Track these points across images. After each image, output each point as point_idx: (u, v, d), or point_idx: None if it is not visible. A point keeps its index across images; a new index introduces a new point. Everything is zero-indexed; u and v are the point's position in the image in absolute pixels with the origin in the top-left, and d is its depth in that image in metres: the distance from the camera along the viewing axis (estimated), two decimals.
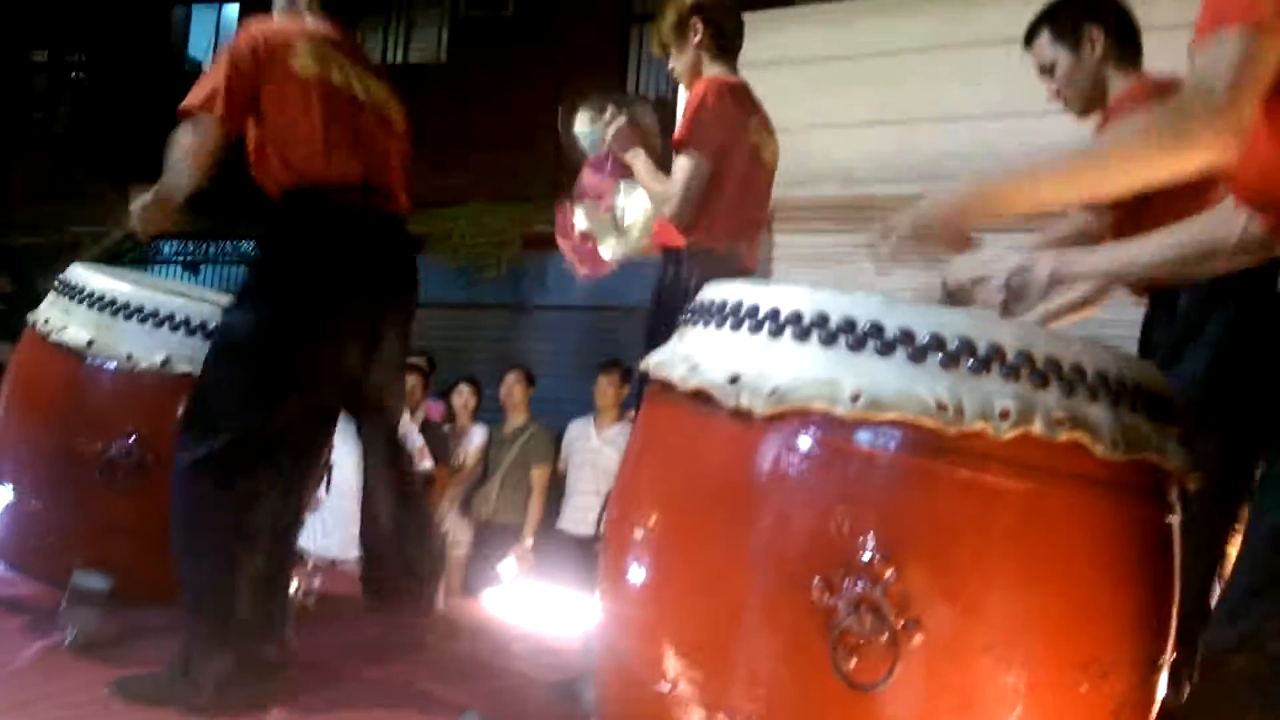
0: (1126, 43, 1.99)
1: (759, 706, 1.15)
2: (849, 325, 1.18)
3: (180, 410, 2.12)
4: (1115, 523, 1.18)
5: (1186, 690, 1.25)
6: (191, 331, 2.15)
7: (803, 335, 1.21)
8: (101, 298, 2.16)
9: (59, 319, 2.18)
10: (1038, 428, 1.11)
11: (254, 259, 2.16)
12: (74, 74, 11.30)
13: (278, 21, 2.15)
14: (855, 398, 1.14)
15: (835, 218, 5.28)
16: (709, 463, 1.28)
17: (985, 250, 1.37)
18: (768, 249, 5.52)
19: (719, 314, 1.33)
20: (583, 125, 2.52)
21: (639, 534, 1.34)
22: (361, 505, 2.37)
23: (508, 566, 4.66)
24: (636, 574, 1.34)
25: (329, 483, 2.33)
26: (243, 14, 10.41)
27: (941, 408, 1.11)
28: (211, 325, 2.15)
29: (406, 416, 3.66)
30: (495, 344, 7.35)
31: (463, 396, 5.09)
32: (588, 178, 2.59)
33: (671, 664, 1.22)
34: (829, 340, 1.19)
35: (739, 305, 1.30)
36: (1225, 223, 1.31)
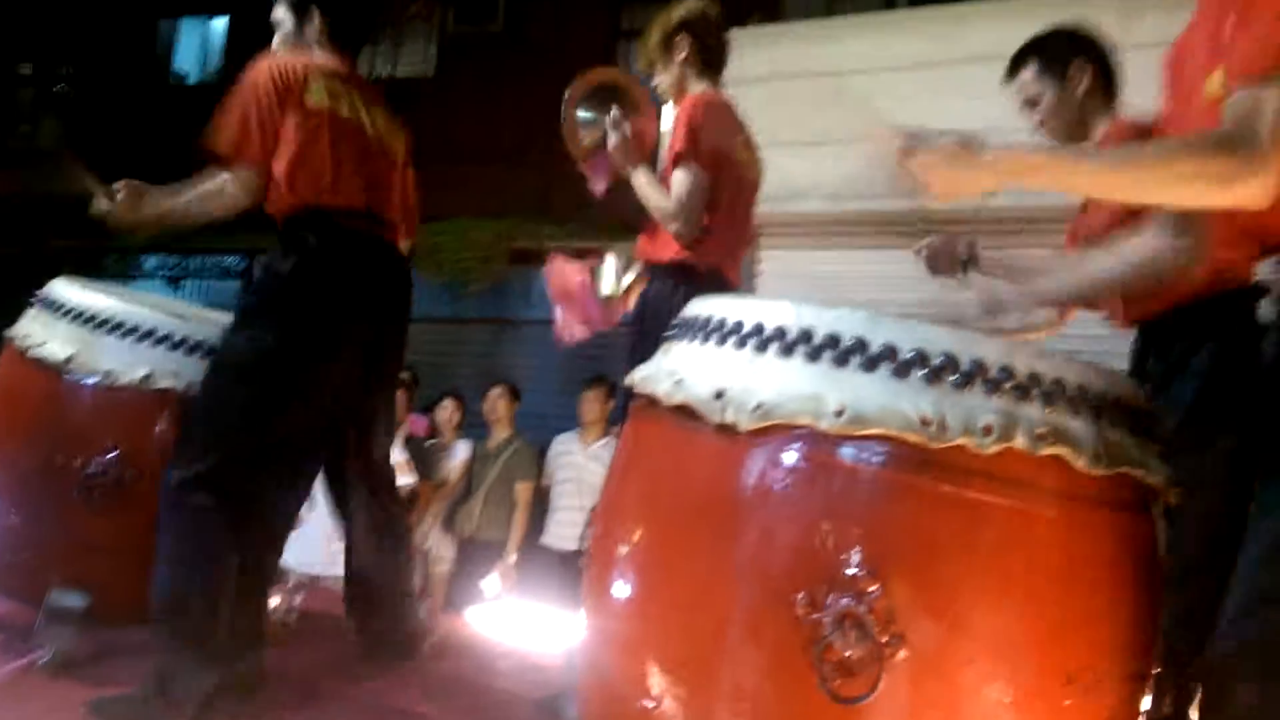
0: (1110, 81, 2.02)
1: None
2: (833, 341, 1.19)
3: (160, 426, 2.11)
4: (1098, 537, 1.19)
5: (1169, 703, 1.25)
6: (173, 347, 2.13)
7: (787, 351, 1.21)
8: (82, 312, 2.14)
9: (39, 334, 2.15)
10: (1020, 442, 1.11)
11: (257, 279, 2.18)
12: (60, 87, 11.26)
13: (290, 55, 2.19)
14: (839, 413, 1.14)
15: (820, 234, 5.32)
16: (694, 478, 1.28)
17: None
18: (752, 264, 5.55)
19: (704, 329, 1.33)
20: (585, 113, 2.51)
21: (623, 549, 1.34)
22: (345, 534, 2.37)
23: (491, 583, 4.64)
24: (621, 589, 1.33)
25: (311, 500, 2.31)
26: (231, 28, 10.41)
27: (925, 423, 1.11)
28: (194, 341, 2.14)
29: None
30: (480, 359, 7.34)
31: (447, 411, 5.07)
32: (567, 271, 2.54)
33: (656, 680, 1.21)
34: (813, 356, 1.19)
35: (724, 320, 1.30)
36: (1158, 238, 1.34)
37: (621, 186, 2.41)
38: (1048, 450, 1.12)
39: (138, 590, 1.91)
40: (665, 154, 2.37)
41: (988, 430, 1.10)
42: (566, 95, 2.48)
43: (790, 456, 1.17)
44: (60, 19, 10.30)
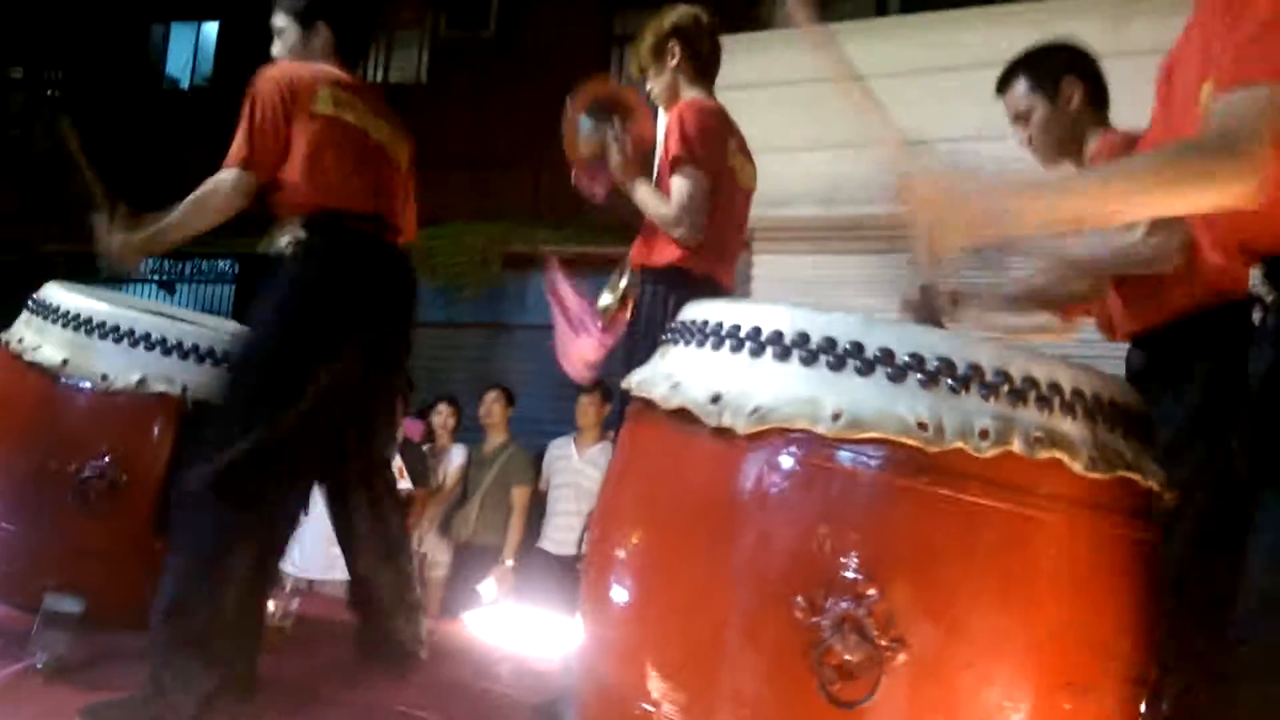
0: (1100, 95, 2.03)
1: None
2: (829, 344, 1.19)
3: (154, 430, 2.11)
4: (1097, 540, 1.19)
5: (1166, 706, 1.26)
6: (167, 351, 2.13)
7: (783, 354, 1.22)
8: (76, 317, 2.14)
9: (33, 338, 2.15)
10: (1017, 446, 1.12)
11: (271, 281, 2.20)
12: (51, 91, 11.23)
13: (298, 65, 2.22)
14: (836, 416, 1.15)
15: (815, 238, 5.33)
16: (691, 481, 1.28)
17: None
18: (747, 269, 5.56)
19: (700, 333, 1.34)
20: (586, 125, 2.51)
21: (621, 553, 1.34)
22: (344, 538, 2.37)
23: (488, 587, 4.63)
24: (619, 594, 1.34)
25: (308, 505, 2.31)
26: (222, 33, 10.40)
27: (922, 427, 1.12)
28: (188, 345, 2.14)
29: None
30: (474, 363, 7.33)
31: (442, 416, 5.06)
32: (571, 300, 2.55)
33: (654, 684, 1.21)
34: (810, 359, 1.20)
35: (720, 324, 1.31)
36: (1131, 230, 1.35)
37: (616, 191, 2.42)
38: (1045, 454, 1.12)
39: (132, 595, 1.90)
40: (660, 160, 2.38)
41: (984, 434, 1.11)
42: (566, 109, 2.48)
43: (787, 460, 1.18)
44: (52, 23, 10.28)
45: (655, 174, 2.37)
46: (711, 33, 2.48)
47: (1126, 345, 1.93)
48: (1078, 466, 1.14)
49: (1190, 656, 1.28)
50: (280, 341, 2.04)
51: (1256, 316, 1.23)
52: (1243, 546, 1.15)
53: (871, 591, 1.10)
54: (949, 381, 1.14)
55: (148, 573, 2.07)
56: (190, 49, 10.75)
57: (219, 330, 2.30)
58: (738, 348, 1.26)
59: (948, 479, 1.12)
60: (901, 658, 1.08)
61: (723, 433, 1.21)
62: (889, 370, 1.16)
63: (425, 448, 4.88)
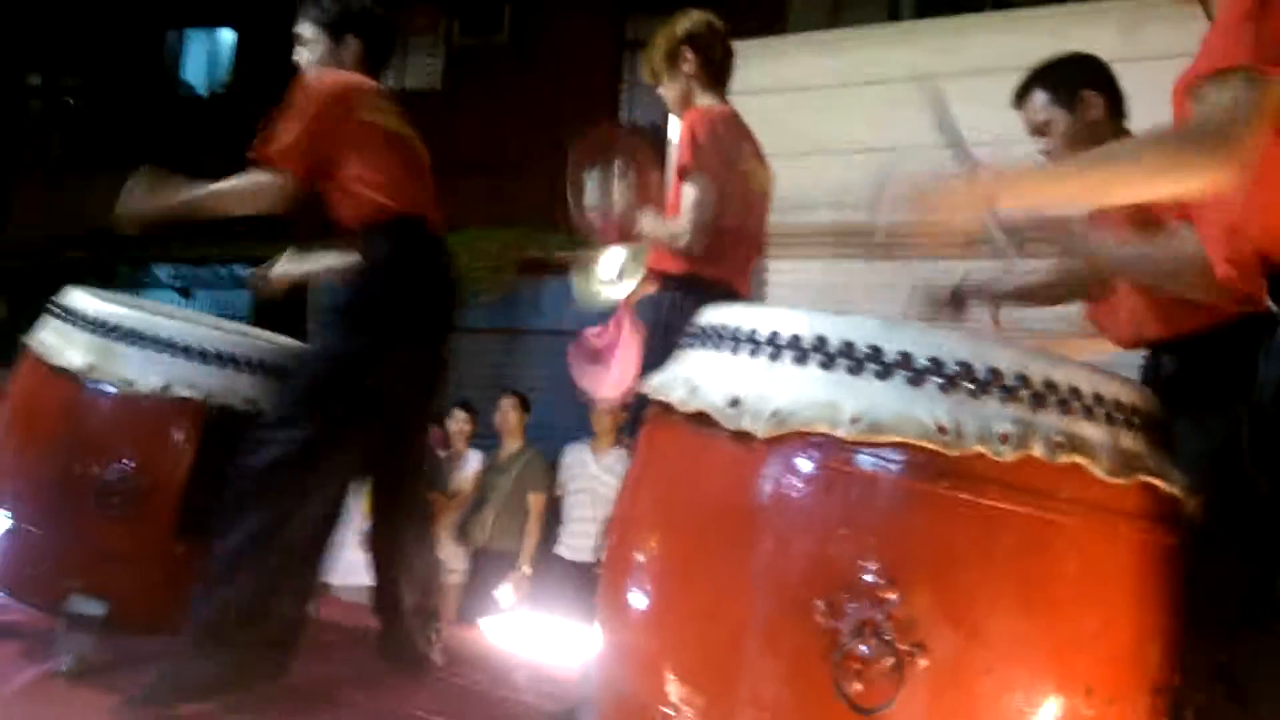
0: (1118, 105, 2.02)
1: None
2: (848, 348, 1.19)
3: (177, 435, 2.13)
4: (1118, 546, 1.19)
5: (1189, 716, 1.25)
6: (190, 356, 2.14)
7: (802, 358, 1.22)
8: (101, 322, 2.15)
9: (57, 343, 2.17)
10: (1037, 450, 1.12)
11: (338, 285, 2.28)
12: (68, 98, 11.33)
13: (348, 74, 2.29)
14: (855, 420, 1.15)
15: (830, 243, 5.32)
16: (710, 485, 1.28)
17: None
18: (761, 274, 5.55)
19: (718, 337, 1.34)
20: (589, 178, 2.54)
21: (639, 558, 1.34)
22: (379, 541, 2.40)
23: (505, 594, 4.64)
24: (637, 599, 1.34)
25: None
26: (238, 40, 10.47)
27: (941, 430, 1.12)
28: (211, 350, 2.16)
29: None
30: (490, 369, 7.35)
31: (457, 422, 5.07)
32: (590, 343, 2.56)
33: (674, 689, 1.21)
34: (828, 363, 1.20)
35: (738, 328, 1.31)
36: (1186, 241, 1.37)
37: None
38: (1065, 458, 1.12)
39: (155, 598, 1.93)
40: (672, 170, 2.38)
41: (1004, 438, 1.11)
42: (569, 166, 2.51)
43: (806, 464, 1.18)
44: (69, 30, 10.37)
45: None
46: (724, 38, 2.48)
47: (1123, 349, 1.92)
48: (1098, 471, 1.13)
49: (1207, 665, 1.28)
50: (353, 343, 2.14)
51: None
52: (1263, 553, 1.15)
53: (891, 596, 1.09)
54: (968, 385, 1.14)
55: (170, 577, 2.10)
56: (206, 56, 10.82)
57: (242, 336, 2.31)
58: (756, 351, 1.26)
59: (967, 483, 1.12)
60: (922, 663, 1.08)
61: (741, 436, 1.21)
62: (908, 374, 1.16)
63: (441, 454, 4.90)
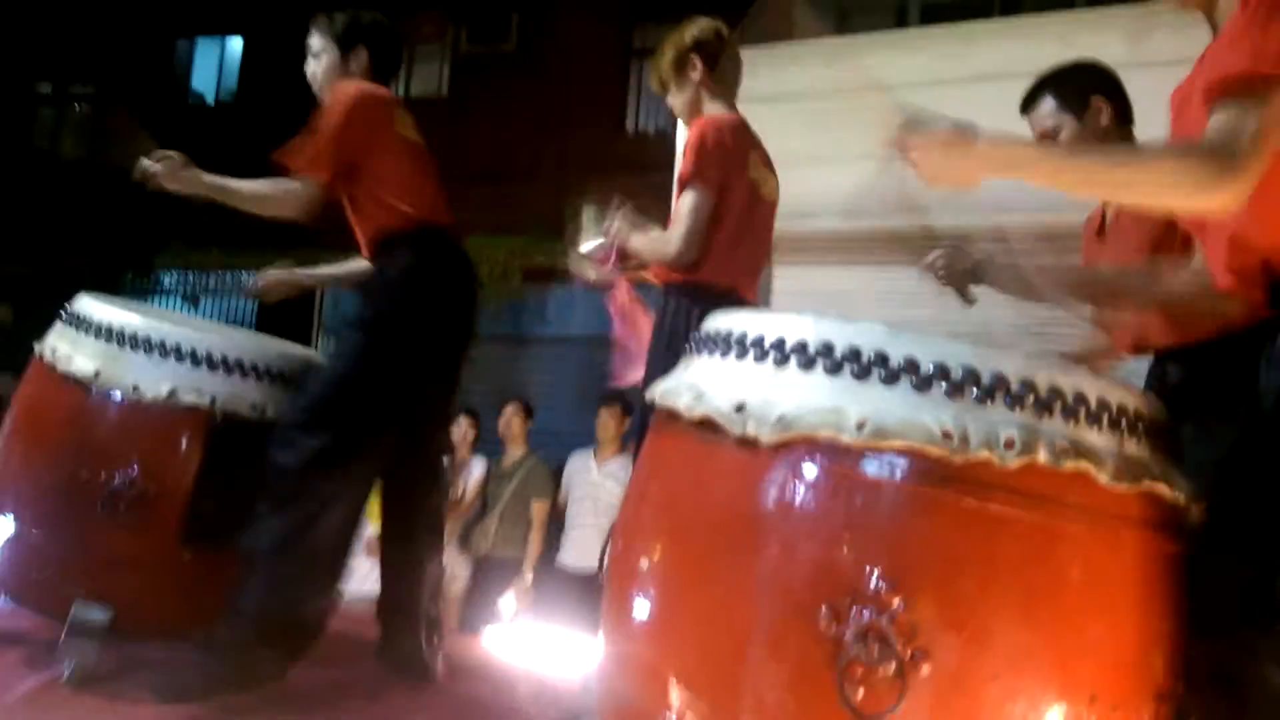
0: (1125, 112, 2.02)
1: None
2: (854, 354, 1.19)
3: (183, 442, 2.13)
4: (1122, 553, 1.19)
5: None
6: (197, 363, 2.14)
7: (808, 364, 1.22)
8: (108, 328, 2.16)
9: (66, 349, 2.18)
10: (1042, 457, 1.11)
11: (368, 292, 2.34)
12: (78, 105, 11.41)
13: (372, 85, 2.33)
14: (861, 426, 1.14)
15: (836, 251, 5.31)
16: (715, 491, 1.28)
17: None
18: (768, 282, 5.55)
19: (724, 343, 1.34)
20: (588, 240, 2.57)
21: (644, 564, 1.34)
22: (392, 550, 2.40)
23: (507, 602, 4.63)
24: (641, 605, 1.33)
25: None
26: (246, 48, 10.53)
27: (947, 436, 1.11)
28: (218, 357, 2.17)
29: None
30: (494, 376, 7.35)
31: (461, 429, 5.07)
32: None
33: (677, 696, 1.21)
34: (834, 369, 1.20)
35: (744, 334, 1.31)
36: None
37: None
38: (1070, 465, 1.12)
39: (160, 605, 1.92)
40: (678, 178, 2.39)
41: (1010, 444, 1.11)
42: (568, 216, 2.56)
43: (812, 469, 1.18)
44: (79, 38, 10.44)
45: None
46: (732, 47, 2.49)
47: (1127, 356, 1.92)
48: (1103, 478, 1.13)
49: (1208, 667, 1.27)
50: (379, 350, 2.18)
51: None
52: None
53: (896, 602, 1.09)
54: (974, 391, 1.14)
55: (175, 583, 2.11)
56: (215, 64, 10.89)
57: (249, 342, 2.32)
58: (762, 357, 1.26)
59: (972, 489, 1.12)
60: (926, 669, 1.08)
61: (747, 442, 1.21)
62: (914, 380, 1.16)
63: (445, 460, 4.90)
